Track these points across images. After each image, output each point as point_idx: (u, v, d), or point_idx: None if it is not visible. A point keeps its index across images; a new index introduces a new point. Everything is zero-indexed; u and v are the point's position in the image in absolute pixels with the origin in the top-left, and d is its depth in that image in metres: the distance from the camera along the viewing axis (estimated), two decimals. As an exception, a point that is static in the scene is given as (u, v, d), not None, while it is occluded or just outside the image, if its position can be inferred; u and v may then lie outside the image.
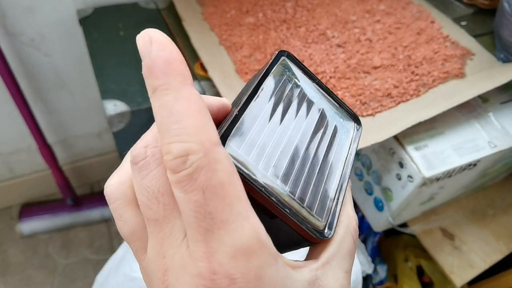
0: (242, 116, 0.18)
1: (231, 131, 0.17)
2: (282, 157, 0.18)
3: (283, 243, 0.19)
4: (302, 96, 0.21)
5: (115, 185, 0.18)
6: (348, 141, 0.22)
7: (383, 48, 0.65)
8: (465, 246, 0.69)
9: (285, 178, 0.18)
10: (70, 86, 0.92)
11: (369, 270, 0.70)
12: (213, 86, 0.60)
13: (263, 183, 0.17)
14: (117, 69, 0.62)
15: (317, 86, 0.23)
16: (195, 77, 0.62)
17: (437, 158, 0.54)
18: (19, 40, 0.80)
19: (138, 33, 0.15)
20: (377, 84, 0.60)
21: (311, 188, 0.19)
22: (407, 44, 0.65)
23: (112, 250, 1.04)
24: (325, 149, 0.21)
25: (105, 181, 0.19)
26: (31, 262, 1.02)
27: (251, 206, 0.15)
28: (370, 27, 0.69)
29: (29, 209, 1.08)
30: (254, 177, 0.16)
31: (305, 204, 0.18)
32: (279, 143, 0.19)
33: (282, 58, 0.22)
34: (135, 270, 0.57)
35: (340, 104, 0.23)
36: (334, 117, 0.22)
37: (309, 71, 0.23)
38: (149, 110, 0.57)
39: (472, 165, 0.56)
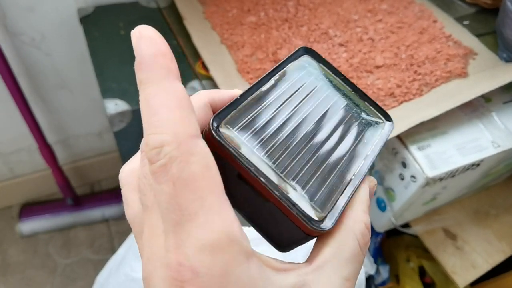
0: (247, 101, 0.19)
1: (229, 113, 0.18)
2: (285, 143, 0.19)
3: (283, 236, 0.19)
4: (322, 90, 0.21)
5: (127, 171, 0.19)
6: (374, 138, 0.21)
7: (385, 47, 0.64)
8: (467, 246, 0.69)
9: (282, 162, 0.18)
10: (70, 86, 0.92)
11: (372, 271, 0.69)
12: (214, 85, 0.60)
13: (252, 162, 0.17)
14: (118, 68, 0.62)
15: (342, 83, 0.22)
16: (196, 76, 0.62)
17: (440, 158, 0.54)
18: (20, 40, 0.79)
19: None
20: (380, 84, 0.59)
21: (315, 178, 0.18)
22: (410, 43, 0.65)
23: (112, 250, 1.04)
24: (346, 144, 0.20)
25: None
26: (32, 262, 1.02)
27: (227, 201, 0.15)
28: (372, 26, 0.68)
29: (30, 208, 1.08)
30: (242, 155, 0.17)
31: (304, 192, 0.18)
32: (284, 130, 0.19)
33: (304, 54, 0.22)
34: (135, 270, 0.56)
35: (368, 101, 0.22)
36: (360, 114, 0.22)
37: (334, 68, 0.22)
38: (150, 109, 0.57)
39: (475, 165, 0.56)
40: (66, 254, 1.04)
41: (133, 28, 0.16)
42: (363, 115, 0.22)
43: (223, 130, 0.18)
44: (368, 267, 0.69)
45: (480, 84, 0.58)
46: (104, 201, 1.09)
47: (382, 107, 0.56)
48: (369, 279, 0.74)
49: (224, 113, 0.18)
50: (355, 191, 0.19)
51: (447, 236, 0.70)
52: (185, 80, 0.61)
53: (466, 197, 0.73)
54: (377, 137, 0.21)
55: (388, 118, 0.22)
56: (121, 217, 1.09)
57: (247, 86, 0.60)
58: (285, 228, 0.18)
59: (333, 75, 0.22)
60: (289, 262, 0.17)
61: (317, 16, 0.70)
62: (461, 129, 0.58)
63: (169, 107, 0.15)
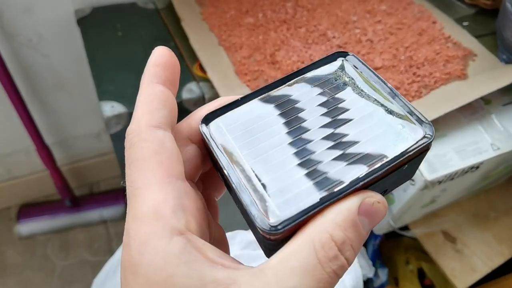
0: (249, 103, 0.20)
1: (225, 112, 0.20)
2: (270, 144, 0.19)
3: (257, 238, 0.18)
4: (345, 95, 0.20)
5: None
6: (395, 149, 0.18)
7: (384, 49, 0.64)
8: (467, 249, 0.68)
9: (259, 161, 0.18)
10: (68, 87, 0.91)
11: (370, 274, 0.69)
12: (212, 87, 0.59)
13: (222, 156, 0.19)
14: (115, 70, 0.62)
15: (378, 87, 0.20)
16: (194, 78, 0.61)
17: (439, 160, 0.53)
18: (17, 41, 0.79)
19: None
20: (378, 86, 0.59)
21: (289, 180, 0.17)
22: (409, 44, 0.65)
23: (111, 251, 1.04)
24: (345, 148, 0.18)
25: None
26: (29, 264, 1.02)
27: (170, 183, 0.16)
28: (371, 27, 0.68)
29: (28, 210, 1.08)
30: (215, 148, 0.19)
31: (269, 191, 0.17)
32: (277, 133, 0.19)
33: (338, 58, 0.22)
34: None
35: (407, 110, 0.19)
36: (388, 122, 0.19)
37: (372, 71, 0.21)
38: (147, 111, 0.57)
39: (474, 167, 0.56)
40: (64, 255, 1.04)
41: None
42: (394, 124, 0.19)
43: (212, 125, 0.20)
44: (366, 270, 0.69)
45: (479, 86, 0.57)
46: (102, 203, 1.08)
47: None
48: (368, 282, 0.74)
49: (220, 111, 0.20)
50: (334, 200, 0.17)
51: (447, 239, 0.69)
52: (182, 82, 0.60)
53: (466, 200, 0.73)
54: (400, 149, 0.18)
55: (427, 128, 0.19)
56: (120, 219, 1.09)
57: (244, 88, 0.60)
58: (253, 228, 0.17)
59: (367, 79, 0.21)
60: (239, 262, 0.16)
61: (316, 17, 0.69)
62: (460, 131, 0.57)
63: (143, 103, 0.18)
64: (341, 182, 0.17)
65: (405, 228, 0.69)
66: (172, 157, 0.17)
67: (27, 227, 1.05)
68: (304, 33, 0.66)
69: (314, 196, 0.17)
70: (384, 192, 0.19)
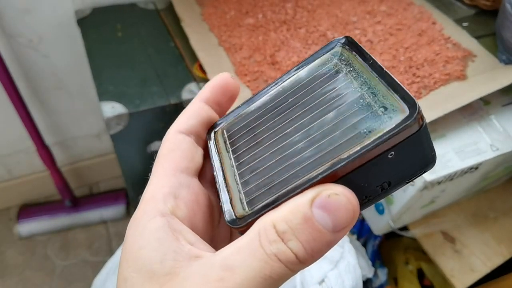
0: (249, 107, 0.22)
1: (228, 118, 0.22)
2: (255, 146, 0.20)
3: None
4: (335, 82, 0.19)
5: None
6: (369, 137, 0.16)
7: (384, 49, 0.64)
8: (466, 249, 0.69)
9: (244, 163, 0.20)
10: (68, 87, 0.91)
11: (370, 274, 0.69)
12: (212, 88, 0.59)
13: (216, 160, 0.21)
14: (115, 70, 0.62)
15: (369, 69, 0.19)
16: (194, 78, 0.62)
17: (438, 161, 0.53)
18: (17, 41, 0.79)
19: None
20: (378, 86, 0.59)
21: (263, 178, 0.18)
22: (408, 45, 0.65)
23: (111, 251, 1.04)
24: (323, 144, 0.18)
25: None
26: (29, 264, 1.02)
27: (173, 175, 0.20)
28: (371, 28, 0.68)
29: (28, 210, 1.08)
30: (212, 155, 0.22)
31: (245, 189, 0.19)
32: (261, 133, 0.20)
33: (335, 46, 0.21)
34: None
35: (395, 92, 0.17)
36: (370, 108, 0.18)
37: (365, 53, 0.20)
38: (147, 112, 0.57)
39: (473, 168, 0.56)
40: (64, 256, 1.04)
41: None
42: (374, 106, 0.17)
43: (218, 132, 0.22)
44: (366, 270, 0.69)
45: (479, 86, 0.57)
46: (102, 203, 1.09)
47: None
48: (367, 282, 0.74)
49: (225, 118, 0.23)
50: (289, 196, 0.17)
51: (446, 239, 0.69)
52: (182, 83, 0.61)
53: (465, 200, 0.73)
54: (378, 134, 0.16)
55: (410, 109, 0.16)
56: (120, 219, 1.09)
57: (244, 89, 0.60)
58: None
59: (360, 62, 0.19)
60: (213, 253, 0.17)
61: (316, 18, 0.70)
62: (459, 132, 0.57)
63: (182, 114, 0.22)
64: (301, 178, 0.17)
65: (405, 228, 0.70)
66: (184, 156, 0.20)
67: (27, 227, 1.05)
68: (304, 33, 0.67)
69: (278, 193, 0.17)
70: (389, 185, 0.18)
